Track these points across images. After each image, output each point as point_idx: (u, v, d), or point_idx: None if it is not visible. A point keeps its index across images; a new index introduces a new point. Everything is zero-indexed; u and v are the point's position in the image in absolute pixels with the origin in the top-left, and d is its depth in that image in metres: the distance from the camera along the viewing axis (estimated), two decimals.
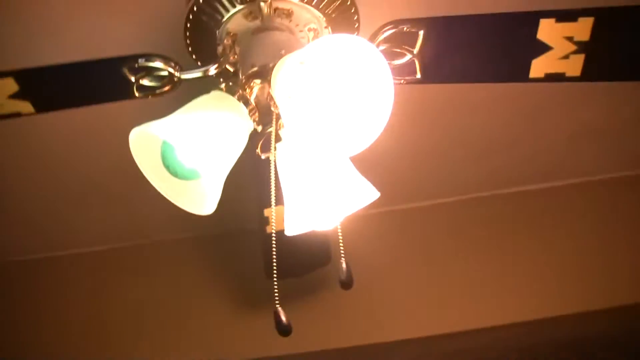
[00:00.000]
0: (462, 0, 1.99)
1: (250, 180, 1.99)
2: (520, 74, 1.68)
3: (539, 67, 1.67)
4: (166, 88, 1.63)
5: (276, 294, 1.53)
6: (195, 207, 1.43)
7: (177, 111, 1.47)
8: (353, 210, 1.54)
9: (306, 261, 2.41)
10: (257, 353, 2.72)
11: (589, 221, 2.85)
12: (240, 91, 1.53)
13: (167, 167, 1.43)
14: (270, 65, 1.48)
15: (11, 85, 1.59)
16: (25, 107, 1.66)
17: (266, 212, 2.08)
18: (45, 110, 1.69)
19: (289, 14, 1.59)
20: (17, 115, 1.69)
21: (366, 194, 1.55)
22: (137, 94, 1.63)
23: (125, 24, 2.05)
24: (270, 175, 1.57)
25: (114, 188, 2.69)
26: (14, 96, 1.62)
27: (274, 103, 1.52)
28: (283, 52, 1.47)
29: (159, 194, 1.45)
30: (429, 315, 2.73)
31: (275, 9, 1.56)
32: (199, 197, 1.43)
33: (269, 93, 1.52)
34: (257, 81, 1.53)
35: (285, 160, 1.56)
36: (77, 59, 1.59)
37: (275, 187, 1.58)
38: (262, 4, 1.53)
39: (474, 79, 1.75)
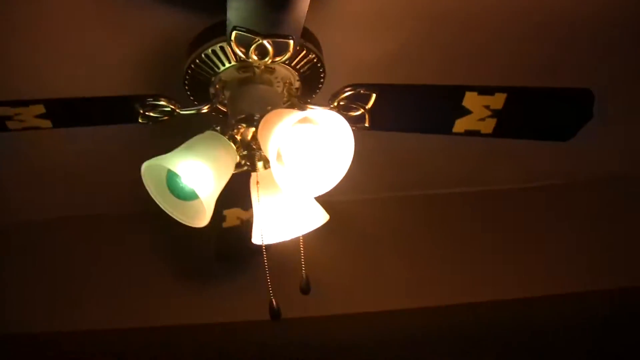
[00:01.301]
0: (411, 72, 2.46)
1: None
2: (446, 128, 2.15)
3: (460, 125, 2.14)
4: (165, 118, 2.02)
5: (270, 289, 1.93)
6: (195, 221, 1.83)
7: (179, 147, 1.85)
8: (308, 230, 1.98)
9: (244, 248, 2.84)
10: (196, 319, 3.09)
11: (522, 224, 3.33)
12: (230, 132, 1.92)
13: (171, 191, 1.82)
14: (257, 116, 1.90)
15: (39, 109, 1.95)
16: (46, 124, 2.02)
17: (225, 212, 2.49)
18: (62, 126, 2.05)
19: (272, 71, 1.98)
20: (36, 128, 2.04)
21: (319, 217, 1.99)
22: (140, 121, 2.01)
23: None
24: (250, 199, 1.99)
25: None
26: (39, 116, 1.98)
27: (256, 143, 1.93)
28: (269, 108, 1.89)
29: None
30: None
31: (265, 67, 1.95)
32: (197, 213, 1.82)
33: (252, 135, 1.92)
34: (244, 125, 1.92)
35: (258, 187, 1.97)
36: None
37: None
38: (256, 68, 1.92)
39: (410, 129, 2.20)
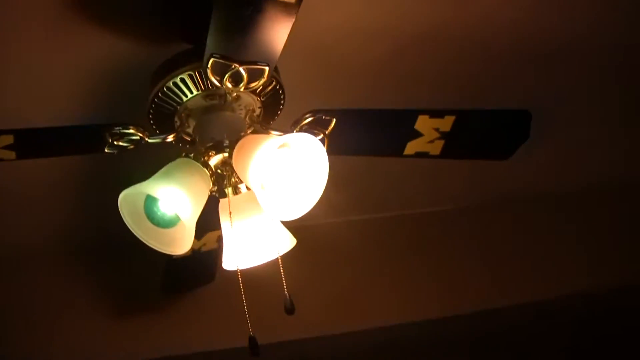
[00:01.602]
0: (369, 96, 2.58)
1: None
2: (398, 151, 2.27)
3: (411, 147, 2.27)
4: (132, 146, 2.05)
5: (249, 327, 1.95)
6: (175, 248, 1.86)
7: (156, 174, 1.89)
8: (277, 256, 2.04)
9: (193, 279, 2.87)
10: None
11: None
12: (202, 158, 1.97)
13: (150, 219, 1.85)
14: (226, 142, 1.96)
15: (8, 139, 1.94)
16: (9, 155, 2.01)
17: None
18: (26, 158, 2.05)
19: (238, 98, 2.04)
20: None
21: (287, 242, 2.05)
22: (107, 150, 2.04)
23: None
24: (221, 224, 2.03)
25: None
26: (6, 147, 1.97)
27: (225, 169, 1.99)
28: (242, 134, 1.95)
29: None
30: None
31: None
32: (176, 240, 1.86)
33: (221, 161, 1.98)
34: (213, 152, 1.98)
35: (227, 212, 2.02)
36: None
37: None
38: (227, 95, 1.98)
39: (365, 153, 2.31)
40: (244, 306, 1.99)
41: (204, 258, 2.66)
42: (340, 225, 3.38)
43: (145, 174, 1.98)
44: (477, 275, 3.43)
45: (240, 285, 1.97)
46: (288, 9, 1.66)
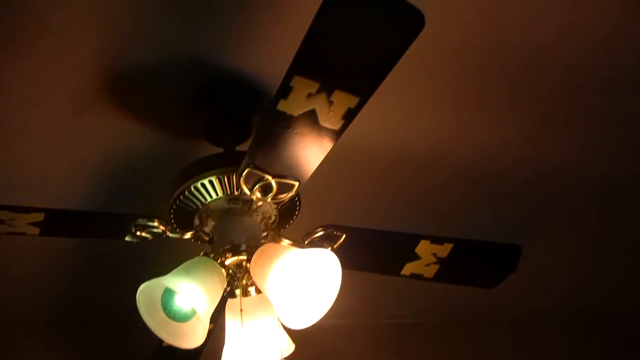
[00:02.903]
0: (374, 217, 2.72)
1: None
2: (395, 271, 2.40)
3: (409, 268, 2.40)
4: (151, 238, 2.15)
5: None
6: (186, 343, 1.94)
7: (176, 269, 1.98)
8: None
9: None
10: None
11: None
12: (219, 258, 2.07)
13: (167, 313, 1.93)
14: (243, 246, 2.06)
15: (38, 217, 2.03)
16: (33, 231, 2.09)
17: None
18: (49, 235, 2.13)
19: (259, 206, 2.16)
20: (21, 234, 2.11)
21: (288, 347, 2.15)
22: (127, 239, 2.13)
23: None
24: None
25: None
26: (33, 224, 2.06)
27: (240, 272, 2.09)
28: (263, 241, 2.07)
29: None
30: None
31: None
32: (189, 335, 1.94)
33: (236, 263, 2.08)
34: (230, 254, 2.08)
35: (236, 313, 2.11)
36: None
37: None
38: (252, 205, 2.10)
39: (366, 269, 2.42)
40: None
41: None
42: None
43: (152, 264, 2.09)
44: None
45: None
46: (329, 134, 1.79)
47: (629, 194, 2.96)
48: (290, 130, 1.79)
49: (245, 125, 2.32)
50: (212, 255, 2.08)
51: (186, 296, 1.89)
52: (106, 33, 2.08)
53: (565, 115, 2.55)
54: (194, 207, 2.16)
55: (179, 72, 2.21)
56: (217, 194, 2.13)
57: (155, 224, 2.10)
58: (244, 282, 2.10)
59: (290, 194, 2.01)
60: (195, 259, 2.04)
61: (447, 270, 2.42)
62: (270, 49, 2.16)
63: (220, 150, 2.30)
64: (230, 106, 2.30)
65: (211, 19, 2.06)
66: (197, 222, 2.18)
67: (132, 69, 2.21)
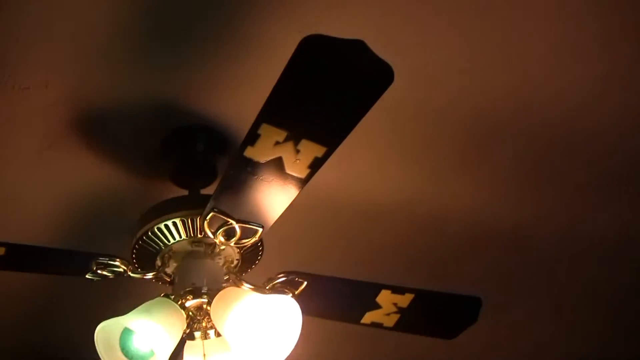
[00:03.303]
0: (336, 265, 2.73)
1: None
2: (356, 319, 2.40)
3: (369, 317, 2.39)
4: (112, 277, 2.14)
5: None
6: None
7: (135, 310, 1.97)
8: None
9: None
10: None
11: None
12: (180, 300, 2.06)
13: (125, 353, 1.92)
14: (205, 289, 2.06)
15: None
16: None
17: None
18: (9, 270, 2.11)
19: (222, 250, 2.16)
20: None
21: None
22: (88, 276, 2.12)
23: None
24: None
25: None
26: None
27: (200, 314, 2.08)
28: (224, 285, 2.07)
29: None
30: None
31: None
32: None
33: (197, 306, 2.08)
34: (191, 296, 2.07)
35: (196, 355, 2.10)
36: None
37: None
38: (215, 249, 2.10)
39: (324, 316, 2.42)
40: None
41: None
42: None
43: (112, 304, 2.07)
44: None
45: None
46: (295, 182, 1.81)
47: (590, 254, 3.02)
48: (256, 176, 1.80)
49: (211, 169, 2.34)
50: (173, 296, 2.07)
51: (145, 336, 1.88)
52: (75, 73, 2.09)
53: (531, 176, 2.62)
54: (157, 248, 2.15)
55: (148, 113, 2.22)
56: (180, 236, 2.12)
57: (117, 263, 2.09)
58: (204, 324, 2.10)
59: (254, 239, 2.01)
60: (156, 299, 2.03)
61: (408, 320, 2.42)
62: (240, 95, 2.19)
63: (186, 192, 2.31)
64: (197, 149, 2.32)
65: (181, 63, 2.09)
66: (159, 263, 2.17)
67: (100, 109, 2.22)
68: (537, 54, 2.19)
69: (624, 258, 3.12)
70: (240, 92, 2.19)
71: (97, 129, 2.28)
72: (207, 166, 2.34)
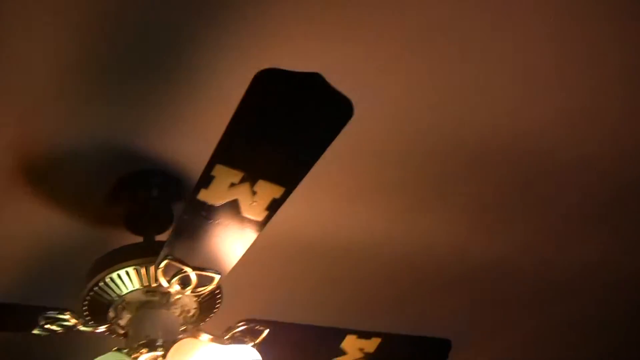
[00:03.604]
0: (299, 310, 2.63)
1: None
2: None
3: None
4: (61, 331, 2.02)
5: None
6: None
7: None
8: None
9: None
10: None
11: None
12: (133, 354, 1.95)
13: None
14: (159, 341, 1.95)
15: None
16: None
17: None
18: None
19: (177, 299, 2.06)
20: None
21: None
22: (36, 332, 2.00)
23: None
24: None
25: None
26: None
27: None
28: (181, 336, 1.96)
29: None
30: None
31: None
32: None
33: (153, 359, 1.96)
34: (146, 349, 1.96)
35: None
36: None
37: None
38: (170, 298, 2.00)
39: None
40: None
41: None
42: None
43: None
44: None
45: None
46: (253, 225, 1.73)
47: (564, 292, 2.96)
48: (211, 221, 1.72)
49: (167, 214, 2.23)
50: (126, 350, 1.96)
51: None
52: (21, 118, 2.00)
53: (500, 208, 2.55)
54: (109, 298, 2.04)
55: (98, 158, 2.13)
56: (133, 286, 2.02)
57: (67, 316, 1.98)
58: None
59: (211, 287, 1.92)
60: (108, 354, 1.92)
61: None
62: (196, 135, 2.10)
63: (140, 239, 2.20)
64: (151, 194, 2.22)
65: (132, 105, 2.00)
66: (112, 314, 2.06)
67: (50, 153, 2.12)
68: (514, 86, 2.10)
69: (603, 290, 3.05)
70: (195, 132, 2.10)
71: (45, 174, 2.18)
72: (162, 211, 2.23)
